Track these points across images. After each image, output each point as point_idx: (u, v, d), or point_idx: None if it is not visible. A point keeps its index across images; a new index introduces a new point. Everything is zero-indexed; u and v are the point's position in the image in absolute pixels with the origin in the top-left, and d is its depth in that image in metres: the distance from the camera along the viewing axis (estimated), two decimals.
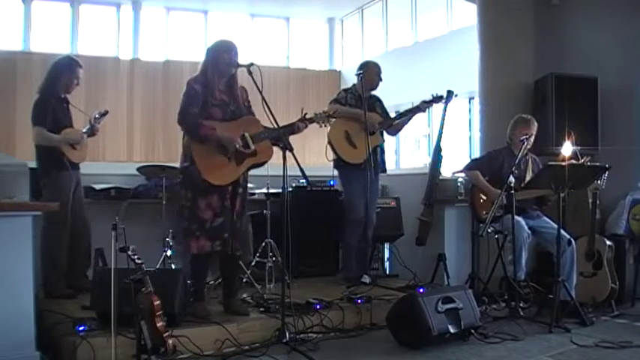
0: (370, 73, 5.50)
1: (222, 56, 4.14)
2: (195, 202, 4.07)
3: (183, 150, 4.16)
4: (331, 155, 5.35)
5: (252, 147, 4.10)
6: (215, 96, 4.12)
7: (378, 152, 5.45)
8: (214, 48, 4.21)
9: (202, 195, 4.06)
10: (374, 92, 5.59)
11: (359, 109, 5.29)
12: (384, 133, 5.55)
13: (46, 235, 4.56)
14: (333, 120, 4.68)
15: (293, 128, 4.20)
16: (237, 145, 4.03)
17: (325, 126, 4.48)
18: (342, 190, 5.58)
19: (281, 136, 4.04)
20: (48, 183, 4.60)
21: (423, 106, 5.44)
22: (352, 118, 5.31)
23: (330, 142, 5.27)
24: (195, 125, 4.01)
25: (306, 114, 4.24)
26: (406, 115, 5.48)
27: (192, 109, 4.03)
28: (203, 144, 4.03)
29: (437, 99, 5.46)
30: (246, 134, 4.10)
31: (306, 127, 4.26)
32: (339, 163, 5.39)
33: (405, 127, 5.61)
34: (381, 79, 5.54)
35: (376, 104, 5.57)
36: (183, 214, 4.17)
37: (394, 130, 5.59)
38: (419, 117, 5.52)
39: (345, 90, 5.55)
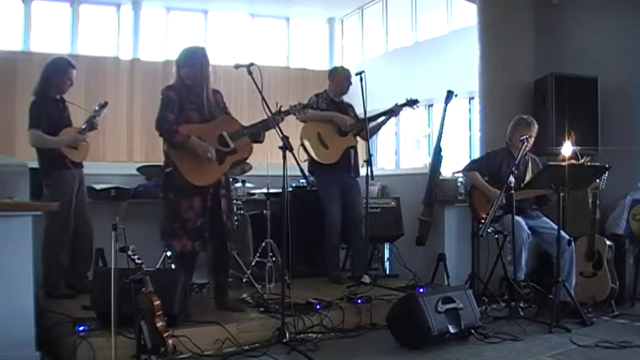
0: (339, 77, 5.62)
1: (183, 64, 4.21)
2: (177, 202, 4.13)
3: (164, 155, 4.22)
4: (303, 156, 5.36)
5: (232, 145, 4.17)
6: (190, 100, 4.18)
7: (351, 154, 5.50)
8: (180, 56, 4.28)
9: (185, 196, 4.12)
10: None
11: (331, 112, 5.44)
12: (358, 137, 5.57)
13: (48, 234, 4.56)
14: (309, 112, 5.03)
15: (268, 123, 4.18)
16: (210, 155, 4.08)
17: (301, 115, 4.72)
18: (319, 193, 5.58)
19: (259, 132, 4.17)
20: (50, 183, 4.59)
21: (397, 109, 5.51)
22: (324, 120, 5.41)
23: (302, 144, 5.32)
24: (169, 132, 4.09)
25: (281, 107, 4.29)
26: (379, 119, 5.52)
27: (169, 116, 4.11)
28: (181, 150, 4.10)
29: (410, 102, 5.57)
30: (224, 133, 4.17)
31: (282, 120, 4.28)
32: (312, 165, 5.44)
33: (379, 131, 5.74)
34: (350, 83, 5.61)
35: (349, 109, 5.65)
36: (166, 216, 4.20)
37: (368, 134, 5.60)
38: (392, 120, 5.66)
39: (317, 95, 5.62)
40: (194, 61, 4.20)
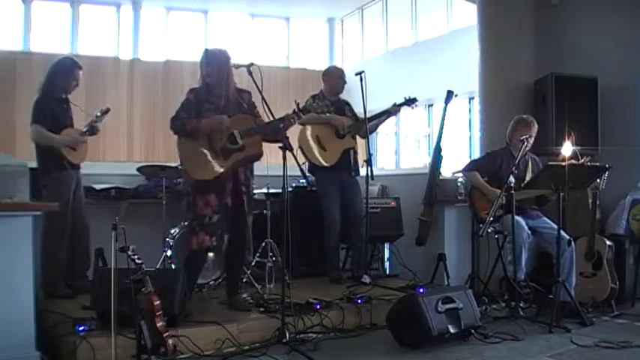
0: (332, 78, 5.64)
1: (203, 64, 4.27)
2: (194, 200, 4.21)
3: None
4: (302, 159, 5.36)
5: (240, 142, 4.18)
6: (210, 100, 4.24)
7: (351, 154, 5.50)
8: (200, 58, 4.30)
9: (200, 193, 4.18)
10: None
11: (329, 114, 5.45)
12: (357, 136, 5.58)
13: (46, 235, 4.56)
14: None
15: (284, 121, 4.16)
16: (224, 122, 4.12)
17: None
18: (318, 192, 5.58)
19: (276, 131, 4.11)
20: (48, 183, 4.60)
21: (394, 109, 5.51)
22: (322, 123, 5.43)
23: (300, 146, 5.32)
24: (181, 126, 4.17)
25: (298, 104, 4.27)
26: (377, 118, 5.54)
27: (181, 115, 4.20)
28: (193, 139, 4.16)
29: (409, 101, 5.56)
30: (235, 131, 4.18)
31: (300, 117, 4.25)
32: (313, 166, 5.46)
33: (378, 129, 5.75)
34: (344, 82, 5.63)
35: (345, 108, 5.66)
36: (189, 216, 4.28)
37: (368, 133, 5.60)
38: (392, 120, 5.68)
39: (313, 96, 5.63)
40: (212, 60, 4.25)
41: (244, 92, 4.37)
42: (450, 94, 5.70)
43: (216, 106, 4.24)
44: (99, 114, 4.83)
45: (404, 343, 4.02)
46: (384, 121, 5.58)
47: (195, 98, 4.25)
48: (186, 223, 4.46)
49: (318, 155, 5.40)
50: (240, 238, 4.36)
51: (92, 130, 4.79)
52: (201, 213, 4.17)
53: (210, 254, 4.71)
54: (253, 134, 4.21)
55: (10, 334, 3.31)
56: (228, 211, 4.21)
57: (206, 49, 4.35)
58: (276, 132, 4.11)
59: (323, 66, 16.22)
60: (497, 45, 6.33)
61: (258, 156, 4.29)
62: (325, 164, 5.40)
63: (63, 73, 4.75)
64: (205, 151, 4.17)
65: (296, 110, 4.24)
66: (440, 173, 5.75)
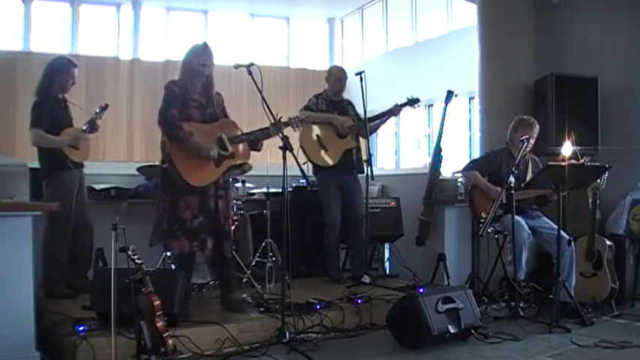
0: (332, 78, 5.65)
1: (194, 59, 4.20)
2: (175, 202, 4.13)
3: (161, 149, 4.19)
4: (303, 159, 5.35)
5: (230, 149, 4.17)
6: (193, 98, 4.19)
7: (353, 153, 5.50)
8: (188, 52, 4.26)
9: (182, 195, 4.12)
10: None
11: (330, 114, 5.45)
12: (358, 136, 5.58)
13: (49, 234, 4.55)
14: (309, 114, 5.05)
15: (268, 132, 4.18)
16: (212, 153, 4.08)
17: (299, 129, 4.50)
18: (319, 192, 5.59)
19: (258, 139, 4.19)
20: (51, 183, 4.58)
21: (396, 109, 5.50)
22: (323, 123, 5.42)
23: (301, 146, 5.32)
24: (174, 127, 4.07)
25: (281, 117, 4.24)
26: (379, 119, 5.54)
27: (172, 110, 4.10)
28: (180, 146, 4.08)
29: (411, 102, 5.55)
30: (223, 136, 4.16)
31: (282, 130, 4.20)
32: (315, 166, 5.47)
33: (379, 129, 5.75)
34: (344, 83, 5.64)
35: (348, 107, 5.66)
36: (162, 217, 4.18)
37: (368, 133, 5.60)
38: (392, 120, 5.65)
39: (316, 96, 5.62)
40: (211, 54, 4.22)
41: (218, 95, 4.35)
42: (450, 94, 5.70)
43: (199, 104, 4.21)
44: (98, 110, 4.79)
45: (404, 343, 4.02)
46: (385, 121, 5.58)
47: (180, 92, 4.14)
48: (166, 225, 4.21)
49: (319, 155, 5.40)
50: (219, 244, 4.22)
51: (92, 127, 4.76)
52: (183, 217, 4.11)
53: None
54: (241, 141, 4.20)
55: (10, 334, 3.31)
56: (211, 214, 4.17)
57: (203, 44, 4.25)
58: (257, 142, 4.20)
59: (323, 66, 16.36)
60: (497, 45, 6.33)
61: (248, 166, 4.27)
62: (327, 164, 5.40)
63: (60, 72, 4.71)
64: (198, 157, 4.08)
65: (279, 121, 4.17)
66: (440, 173, 5.76)
